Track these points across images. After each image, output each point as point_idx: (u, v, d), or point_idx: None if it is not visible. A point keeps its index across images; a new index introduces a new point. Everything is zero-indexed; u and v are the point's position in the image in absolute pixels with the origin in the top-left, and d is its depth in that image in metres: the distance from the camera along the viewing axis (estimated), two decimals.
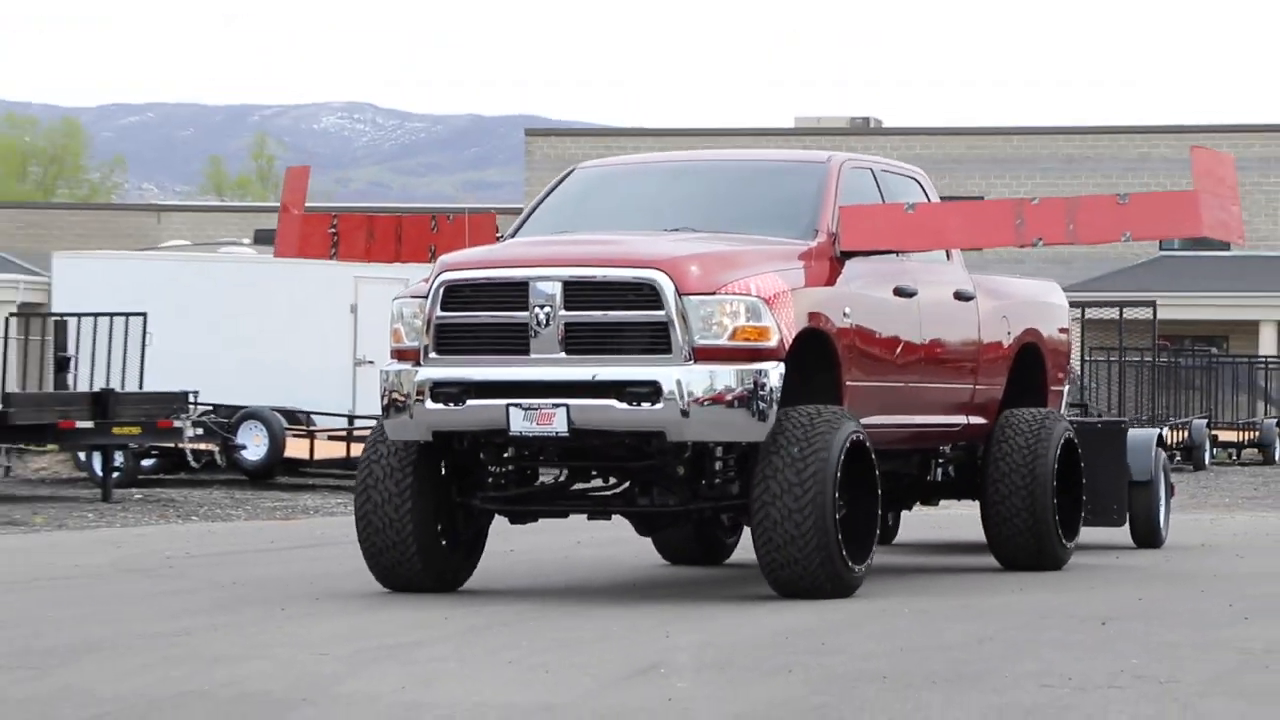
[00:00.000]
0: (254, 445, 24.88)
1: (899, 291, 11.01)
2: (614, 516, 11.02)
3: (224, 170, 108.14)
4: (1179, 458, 32.98)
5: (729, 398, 9.29)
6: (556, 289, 9.53)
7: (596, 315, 9.64)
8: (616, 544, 13.63)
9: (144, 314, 22.37)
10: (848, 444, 9.54)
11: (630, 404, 9.34)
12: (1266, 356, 46.69)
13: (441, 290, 9.81)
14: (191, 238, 47.87)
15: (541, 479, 11.04)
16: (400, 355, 10.01)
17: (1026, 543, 12.00)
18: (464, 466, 10.38)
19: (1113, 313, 35.07)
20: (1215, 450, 36.24)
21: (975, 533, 13.42)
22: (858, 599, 10.97)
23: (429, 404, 9.69)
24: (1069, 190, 47.75)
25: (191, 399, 23.57)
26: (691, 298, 9.38)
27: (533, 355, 9.65)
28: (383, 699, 6.53)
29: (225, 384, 25.78)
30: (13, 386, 25.73)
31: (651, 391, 9.28)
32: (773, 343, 9.48)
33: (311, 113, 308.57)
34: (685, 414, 9.28)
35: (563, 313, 9.52)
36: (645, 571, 12.40)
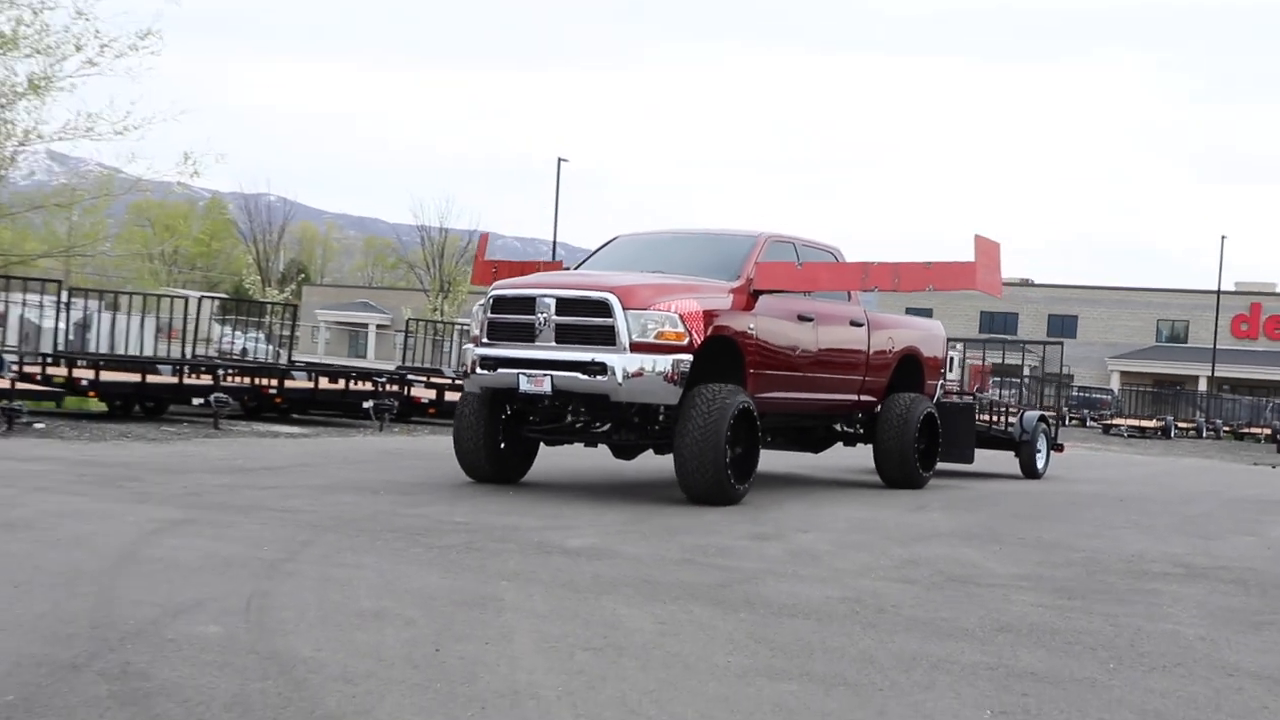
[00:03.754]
0: None
1: (801, 317, 14.54)
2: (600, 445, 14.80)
3: None
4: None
5: (650, 374, 12.41)
6: (553, 302, 12.85)
7: (574, 320, 12.76)
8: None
9: None
10: (737, 409, 12.64)
11: (590, 376, 12.54)
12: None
13: (491, 301, 13.40)
14: None
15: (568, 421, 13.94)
16: (474, 341, 13.54)
17: (898, 471, 16.26)
18: (522, 410, 13.89)
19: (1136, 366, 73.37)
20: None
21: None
22: (1012, 481, 19.06)
23: (479, 371, 13.23)
24: (1115, 313, 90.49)
25: None
26: (632, 311, 12.47)
27: (536, 343, 12.92)
28: (796, 512, 13.00)
29: None
30: None
31: (601, 368, 12.48)
32: (684, 343, 12.56)
33: None
34: (621, 384, 12.43)
35: (555, 318, 12.84)
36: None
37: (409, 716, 5.26)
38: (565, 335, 12.79)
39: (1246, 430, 60.18)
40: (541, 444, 14.51)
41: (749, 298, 13.65)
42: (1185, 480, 23.76)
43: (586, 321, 12.68)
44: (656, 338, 12.46)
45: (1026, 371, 45.78)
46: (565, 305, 12.81)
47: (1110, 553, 11.29)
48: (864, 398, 16.13)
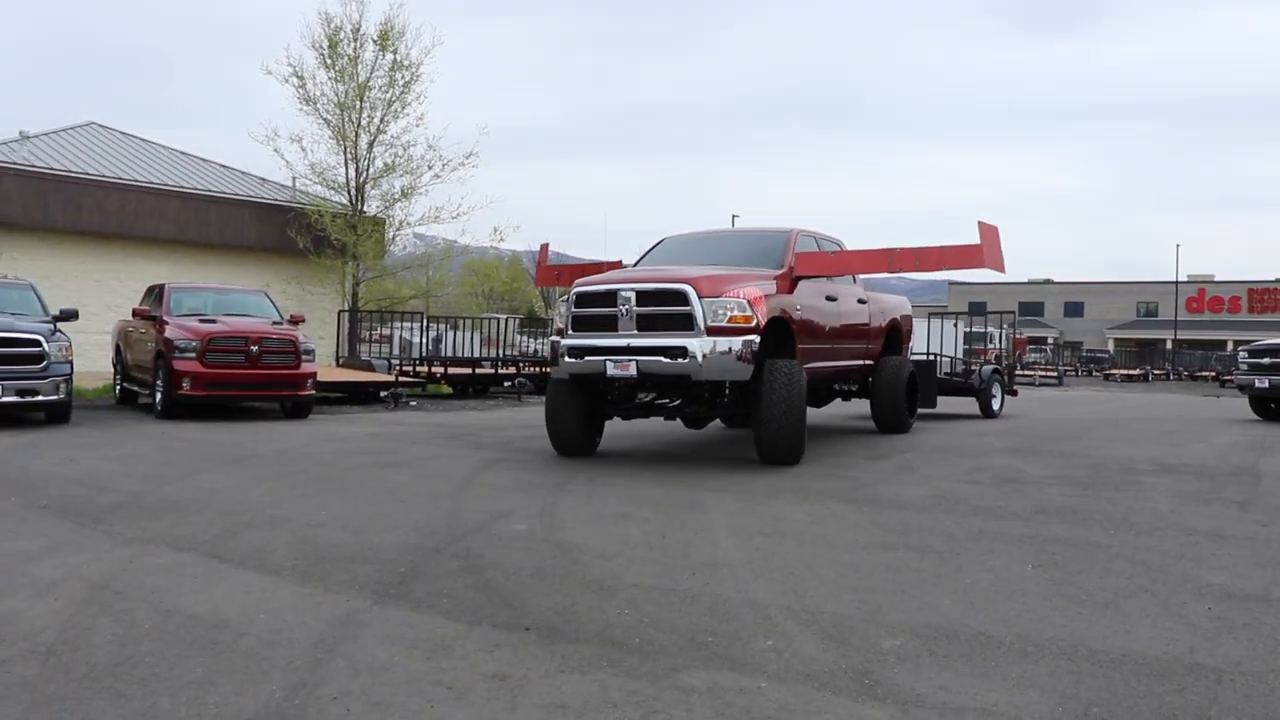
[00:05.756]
0: None
1: (828, 298, 11.56)
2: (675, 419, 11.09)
3: None
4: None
5: (725, 354, 9.32)
6: (633, 295, 9.61)
7: (654, 309, 9.57)
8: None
9: None
10: (805, 381, 9.82)
11: (671, 359, 9.35)
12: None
13: (574, 296, 10.02)
14: None
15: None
16: (559, 333, 10.16)
17: (891, 418, 13.37)
18: (603, 391, 10.56)
19: (1125, 334, 64.66)
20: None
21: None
22: (1041, 418, 17.07)
23: (567, 359, 9.85)
24: (1109, 299, 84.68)
25: None
26: (706, 299, 9.39)
27: (619, 332, 9.66)
28: (897, 441, 12.50)
29: None
30: None
31: (682, 351, 9.31)
32: (753, 324, 9.46)
33: None
34: (700, 364, 9.29)
35: (635, 308, 9.60)
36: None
37: (646, 579, 5.21)
38: (646, 323, 9.63)
39: (1199, 374, 58.00)
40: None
41: (791, 283, 10.70)
42: (1159, 409, 22.41)
43: (666, 310, 9.55)
44: (729, 321, 9.42)
45: (1049, 341, 44.57)
46: (645, 297, 9.64)
47: (1110, 458, 10.75)
48: (866, 362, 13.32)
